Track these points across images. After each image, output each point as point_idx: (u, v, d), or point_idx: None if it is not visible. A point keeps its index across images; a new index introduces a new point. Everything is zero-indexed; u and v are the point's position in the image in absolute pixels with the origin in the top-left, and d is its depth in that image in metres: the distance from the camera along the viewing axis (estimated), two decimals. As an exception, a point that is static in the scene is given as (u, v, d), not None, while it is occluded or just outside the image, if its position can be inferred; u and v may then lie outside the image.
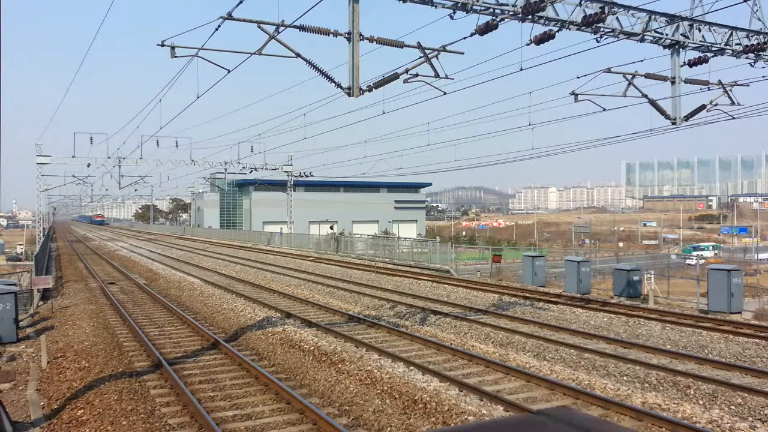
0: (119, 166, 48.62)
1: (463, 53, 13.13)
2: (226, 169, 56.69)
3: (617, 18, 13.53)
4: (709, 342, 14.43)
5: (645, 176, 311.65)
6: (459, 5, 11.91)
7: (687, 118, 15.47)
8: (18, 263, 46.83)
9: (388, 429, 9.03)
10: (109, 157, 47.97)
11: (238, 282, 27.38)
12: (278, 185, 66.19)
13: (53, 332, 17.23)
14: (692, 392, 10.51)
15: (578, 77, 15.32)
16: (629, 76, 15.27)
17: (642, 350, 13.61)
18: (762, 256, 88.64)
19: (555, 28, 12.65)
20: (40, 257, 33.56)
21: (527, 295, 21.88)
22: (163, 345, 14.91)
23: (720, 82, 15.72)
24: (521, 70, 13.75)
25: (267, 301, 21.00)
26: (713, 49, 14.64)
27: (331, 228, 65.43)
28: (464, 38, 12.26)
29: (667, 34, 14.37)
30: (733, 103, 15.88)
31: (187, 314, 19.03)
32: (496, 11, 12.15)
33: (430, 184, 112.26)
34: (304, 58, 12.26)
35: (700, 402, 10.10)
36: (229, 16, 11.42)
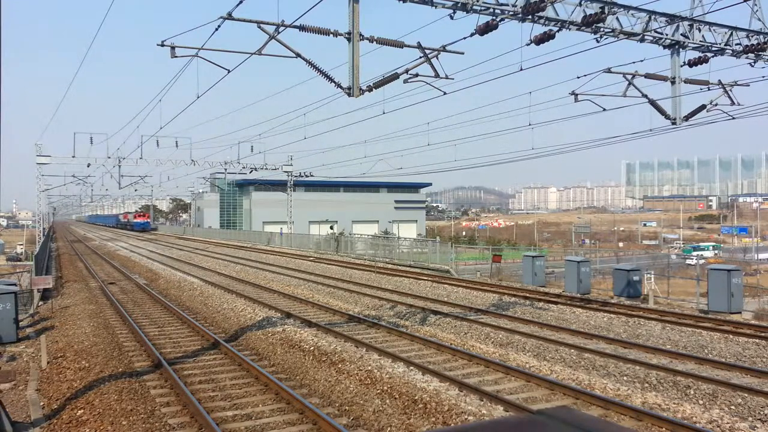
0: (119, 166, 48.69)
1: (463, 53, 13.14)
2: (226, 169, 56.74)
3: (617, 18, 13.52)
4: (709, 342, 14.43)
5: (645, 176, 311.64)
6: (459, 5, 11.91)
7: (687, 118, 15.47)
8: (18, 263, 46.79)
9: (388, 429, 9.03)
10: (109, 157, 48.04)
11: (238, 282, 27.37)
12: (278, 185, 66.23)
13: (53, 332, 17.23)
14: (692, 392, 10.51)
15: (578, 77, 15.34)
16: (629, 76, 15.27)
17: (642, 350, 13.61)
18: (762, 256, 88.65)
19: (555, 28, 12.65)
20: (40, 257, 33.55)
21: (527, 295, 21.88)
22: (163, 345, 14.91)
23: (720, 82, 15.72)
24: (521, 70, 13.77)
25: (267, 301, 21.00)
26: (713, 49, 14.64)
27: (331, 228, 65.45)
28: (464, 38, 12.27)
29: (667, 34, 14.36)
30: (733, 103, 15.87)
31: (187, 314, 19.02)
32: (496, 11, 12.15)
33: (430, 184, 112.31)
34: (304, 58, 12.27)
35: (700, 402, 10.10)
36: (229, 16, 11.42)
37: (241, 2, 11.11)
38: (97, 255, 48.95)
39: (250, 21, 11.65)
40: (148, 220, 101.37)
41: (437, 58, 13.02)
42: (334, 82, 12.26)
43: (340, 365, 12.23)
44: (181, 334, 16.47)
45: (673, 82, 15.22)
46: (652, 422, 9.08)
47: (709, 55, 14.80)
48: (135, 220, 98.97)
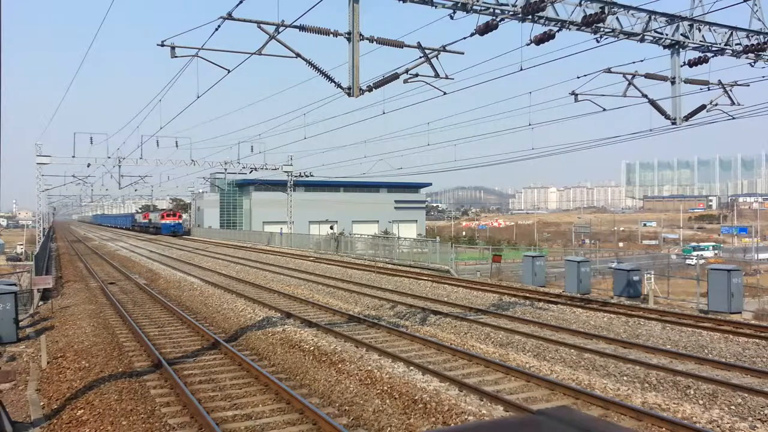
0: (119, 166, 48.70)
1: (463, 53, 13.13)
2: (226, 169, 56.75)
3: (617, 18, 13.52)
4: (709, 342, 14.43)
5: (645, 176, 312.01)
6: (459, 5, 11.91)
7: (687, 118, 15.47)
8: (18, 263, 46.80)
9: (388, 429, 9.03)
10: (109, 157, 48.03)
11: (238, 282, 27.37)
12: (278, 185, 66.21)
13: (53, 332, 17.22)
14: (692, 392, 10.51)
15: (578, 77, 15.33)
16: (629, 76, 15.27)
17: (642, 350, 13.61)
18: (762, 256, 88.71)
19: (555, 28, 12.65)
20: (40, 257, 33.55)
21: (527, 295, 21.87)
22: (163, 345, 14.91)
23: (720, 82, 15.72)
24: (521, 70, 13.77)
25: (267, 301, 21.00)
26: (713, 49, 14.64)
27: (331, 228, 65.44)
28: (464, 38, 12.27)
29: (667, 34, 14.36)
30: (733, 103, 15.87)
31: (187, 314, 19.02)
32: (496, 11, 12.15)
33: (430, 184, 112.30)
34: (304, 58, 12.26)
35: (700, 402, 10.10)
36: (229, 16, 11.42)
37: (241, 2, 11.11)
38: (97, 255, 48.94)
39: (250, 21, 11.65)
40: (180, 221, 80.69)
41: (437, 58, 13.02)
42: (334, 82, 12.26)
43: (340, 365, 12.23)
44: (181, 334, 16.47)
45: (673, 82, 15.22)
46: (652, 422, 9.08)
47: (709, 55, 14.80)
48: (163, 221, 78.73)
